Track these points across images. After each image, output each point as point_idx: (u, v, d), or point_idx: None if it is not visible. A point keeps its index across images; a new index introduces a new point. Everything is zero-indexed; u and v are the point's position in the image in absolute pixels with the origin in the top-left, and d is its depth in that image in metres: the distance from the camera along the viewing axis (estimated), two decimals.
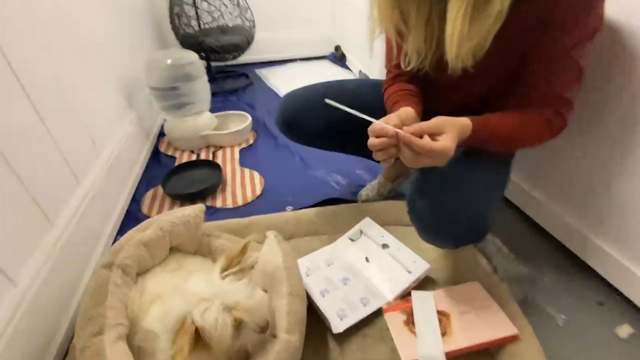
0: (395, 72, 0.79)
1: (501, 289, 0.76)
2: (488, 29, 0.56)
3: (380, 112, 0.65)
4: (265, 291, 0.70)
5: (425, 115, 0.64)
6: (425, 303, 0.72)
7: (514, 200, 1.04)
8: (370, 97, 0.92)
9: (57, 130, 0.80)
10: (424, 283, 0.81)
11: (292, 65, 2.30)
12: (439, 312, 0.70)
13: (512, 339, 0.65)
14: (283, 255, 0.69)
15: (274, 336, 0.58)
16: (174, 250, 0.79)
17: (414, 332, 0.68)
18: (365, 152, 1.07)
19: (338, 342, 0.71)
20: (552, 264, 0.88)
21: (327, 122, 0.85)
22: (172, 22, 1.73)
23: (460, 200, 0.64)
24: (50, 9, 0.85)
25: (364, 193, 1.10)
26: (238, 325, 0.54)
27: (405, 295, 0.77)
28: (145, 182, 1.21)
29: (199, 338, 0.51)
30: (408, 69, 0.70)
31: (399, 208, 1.00)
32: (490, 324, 0.67)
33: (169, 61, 1.22)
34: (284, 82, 1.99)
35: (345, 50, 2.27)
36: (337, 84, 0.92)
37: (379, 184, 1.10)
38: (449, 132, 0.55)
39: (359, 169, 1.26)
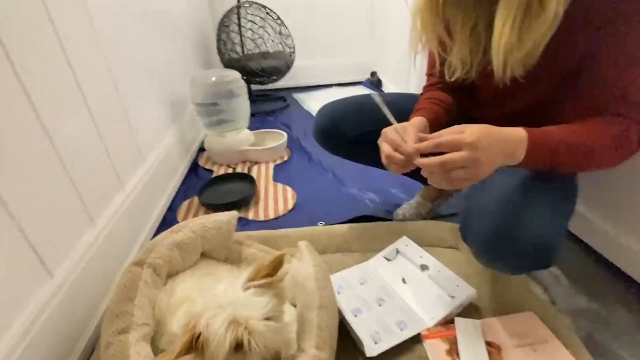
0: (434, 79, 0.77)
1: (561, 323, 0.67)
2: (542, 35, 0.51)
3: None
4: (294, 305, 0.67)
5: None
6: (471, 332, 0.64)
7: (576, 231, 0.93)
8: (408, 109, 0.90)
9: (108, 137, 0.85)
10: (467, 311, 0.73)
11: (328, 90, 2.35)
12: (488, 343, 0.62)
13: None
14: (315, 265, 0.65)
15: (302, 350, 0.53)
16: (204, 256, 0.78)
17: None
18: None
19: None
20: (622, 302, 0.76)
21: (365, 131, 0.83)
22: (218, 47, 1.85)
23: (524, 220, 0.56)
24: (116, 33, 0.94)
25: (400, 212, 1.05)
26: (239, 345, 0.46)
27: (447, 322, 0.69)
28: (182, 193, 1.24)
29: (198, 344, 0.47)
30: (452, 79, 0.68)
31: (440, 228, 0.94)
32: None
33: (213, 78, 1.29)
34: (320, 105, 2.00)
35: (381, 75, 2.29)
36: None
37: (417, 204, 1.04)
38: (469, 127, 0.50)
39: (394, 187, 1.21)
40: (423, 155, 0.53)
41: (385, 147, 0.60)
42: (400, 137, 0.58)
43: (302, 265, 0.66)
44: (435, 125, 0.69)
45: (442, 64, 0.69)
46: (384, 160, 0.61)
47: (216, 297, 0.50)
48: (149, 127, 1.12)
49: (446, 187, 0.52)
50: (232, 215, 0.80)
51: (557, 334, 0.63)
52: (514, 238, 0.56)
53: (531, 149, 0.52)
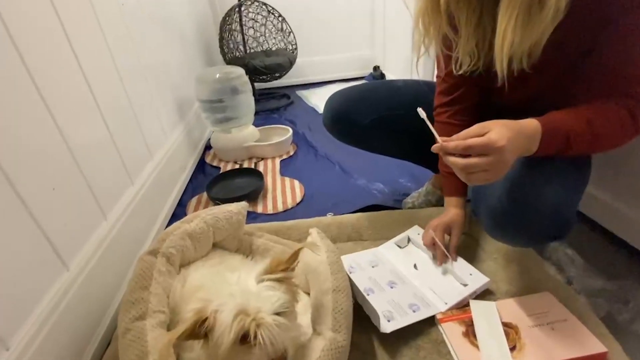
0: (445, 85, 0.77)
1: (578, 303, 0.66)
2: (543, 30, 0.51)
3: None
4: (308, 293, 0.67)
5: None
6: (487, 313, 0.64)
7: (591, 213, 0.91)
8: (416, 96, 0.90)
9: (118, 136, 0.87)
10: (482, 296, 0.72)
11: (331, 86, 2.35)
12: (505, 324, 0.62)
13: (599, 358, 0.55)
14: (327, 251, 0.65)
15: (319, 334, 0.53)
16: (216, 246, 0.78)
17: (476, 345, 0.59)
18: (413, 156, 1.02)
19: (387, 352, 0.64)
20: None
21: (376, 117, 0.83)
22: (220, 46, 1.86)
23: (535, 189, 0.56)
24: (123, 36, 0.96)
25: (409, 201, 1.05)
26: (244, 336, 0.45)
27: (462, 307, 0.69)
28: (190, 189, 1.24)
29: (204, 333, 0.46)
30: (460, 72, 0.67)
31: None
32: (570, 340, 0.57)
33: (217, 75, 1.29)
34: (323, 100, 2.01)
35: (384, 69, 2.28)
36: (385, 82, 0.91)
37: (427, 192, 1.04)
38: (494, 127, 0.50)
39: (402, 177, 1.21)
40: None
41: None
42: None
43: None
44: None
45: (448, 62, 0.69)
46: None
47: (228, 286, 0.49)
48: (156, 125, 1.13)
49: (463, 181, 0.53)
50: (242, 205, 0.80)
51: (575, 313, 0.62)
52: (524, 206, 0.56)
53: (545, 140, 0.52)
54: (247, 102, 1.42)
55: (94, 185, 0.74)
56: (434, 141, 0.54)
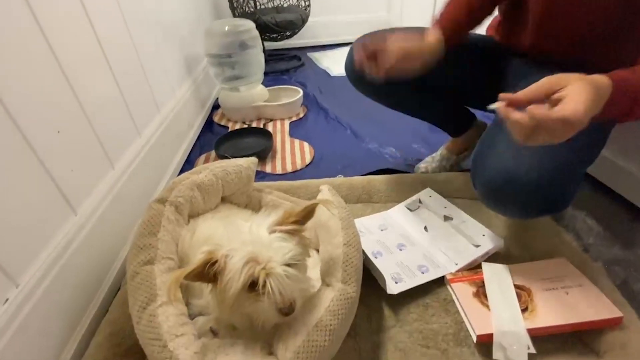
0: None
1: (594, 270, 0.64)
2: None
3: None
4: (317, 250, 0.66)
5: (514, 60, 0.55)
6: (499, 275, 0.62)
7: (609, 181, 0.88)
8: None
9: (126, 88, 0.84)
10: (494, 260, 0.70)
11: (344, 49, 2.25)
12: (517, 287, 0.60)
13: (614, 322, 0.54)
14: (338, 206, 0.63)
15: (328, 285, 0.52)
16: (225, 201, 0.77)
17: (486, 305, 0.58)
18: (434, 114, 0.96)
19: (394, 310, 0.64)
20: None
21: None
22: (230, 1, 1.76)
23: (532, 161, 0.53)
24: None
25: (422, 166, 1.01)
26: (253, 284, 0.44)
27: (473, 268, 0.68)
28: (198, 147, 1.22)
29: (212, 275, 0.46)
30: None
31: (465, 179, 0.90)
32: (585, 304, 0.56)
33: (226, 28, 1.23)
34: (335, 63, 1.94)
35: None
36: (420, 28, 0.82)
37: (442, 157, 1.00)
38: (574, 87, 0.41)
39: (415, 142, 1.17)
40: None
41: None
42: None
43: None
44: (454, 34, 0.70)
45: None
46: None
47: (240, 234, 0.48)
48: (163, 79, 1.09)
49: (517, 140, 0.45)
50: (251, 160, 0.78)
51: (590, 280, 0.60)
52: (514, 183, 0.54)
53: (612, 101, 0.45)
54: (257, 59, 1.36)
55: (100, 134, 0.73)
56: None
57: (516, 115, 0.42)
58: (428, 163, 1.01)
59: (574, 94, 0.41)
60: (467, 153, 0.99)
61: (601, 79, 0.45)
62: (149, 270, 0.52)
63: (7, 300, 0.48)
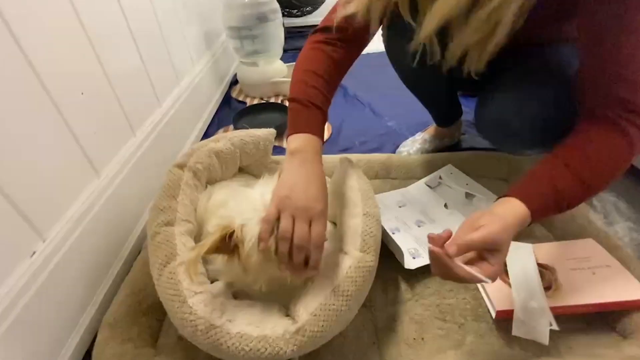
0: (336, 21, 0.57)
1: (623, 253, 0.61)
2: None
3: None
4: (333, 223, 0.65)
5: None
6: (521, 253, 0.60)
7: (637, 164, 0.83)
8: None
9: (147, 57, 0.84)
10: (518, 240, 0.68)
11: None
12: (541, 265, 0.58)
13: None
14: (358, 178, 0.62)
15: (346, 253, 0.52)
16: (243, 171, 0.77)
17: (507, 282, 0.57)
18: (433, 98, 0.90)
19: (410, 284, 0.63)
20: None
21: None
22: None
23: (519, 104, 0.57)
24: None
25: (403, 150, 0.97)
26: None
27: None
28: (217, 122, 1.22)
29: (232, 247, 0.45)
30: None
31: (488, 158, 0.87)
32: (612, 284, 0.54)
33: (246, 0, 1.20)
34: None
35: None
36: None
37: (424, 140, 0.96)
38: (484, 218, 0.42)
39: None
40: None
41: None
42: None
43: (343, 177, 0.63)
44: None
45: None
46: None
47: (251, 202, 0.48)
48: (184, 51, 1.09)
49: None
50: (269, 132, 0.77)
51: (619, 261, 0.58)
52: (508, 123, 0.60)
53: (535, 217, 0.44)
54: (276, 33, 1.33)
55: (122, 100, 0.73)
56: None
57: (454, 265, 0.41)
58: (409, 146, 0.97)
59: (488, 222, 0.42)
60: (447, 140, 0.97)
61: (516, 211, 0.44)
62: (169, 231, 0.53)
63: (34, 253, 0.50)
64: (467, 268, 0.40)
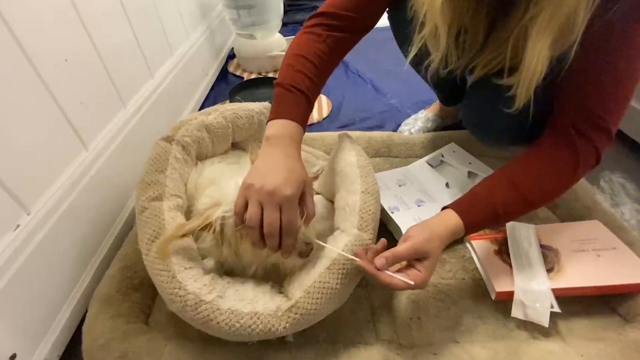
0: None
1: (630, 235, 0.59)
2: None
3: None
4: (331, 202, 0.63)
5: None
6: (524, 234, 0.58)
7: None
8: None
9: (138, 26, 0.80)
10: (520, 221, 0.66)
11: None
12: (544, 247, 0.56)
13: None
14: (357, 154, 0.59)
15: (342, 231, 0.50)
16: (236, 147, 0.74)
17: (508, 263, 0.55)
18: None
19: None
20: None
21: None
22: None
23: (492, 107, 0.54)
24: None
25: (405, 128, 0.93)
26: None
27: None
28: (212, 97, 1.19)
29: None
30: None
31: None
32: (618, 267, 0.52)
33: None
34: None
35: None
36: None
37: (426, 119, 0.93)
38: (412, 232, 0.45)
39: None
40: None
41: None
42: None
43: (342, 153, 0.60)
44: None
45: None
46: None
47: (232, 190, 0.45)
48: (178, 21, 1.03)
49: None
50: (263, 105, 0.74)
51: (625, 244, 0.56)
52: (485, 124, 0.62)
53: (470, 228, 0.48)
54: (275, 4, 1.26)
55: (111, 69, 0.69)
56: None
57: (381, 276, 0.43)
58: (411, 125, 0.94)
59: (416, 234, 0.45)
60: (451, 119, 0.94)
61: (448, 221, 0.47)
62: (157, 206, 0.51)
63: (18, 226, 0.48)
64: (392, 275, 0.43)
